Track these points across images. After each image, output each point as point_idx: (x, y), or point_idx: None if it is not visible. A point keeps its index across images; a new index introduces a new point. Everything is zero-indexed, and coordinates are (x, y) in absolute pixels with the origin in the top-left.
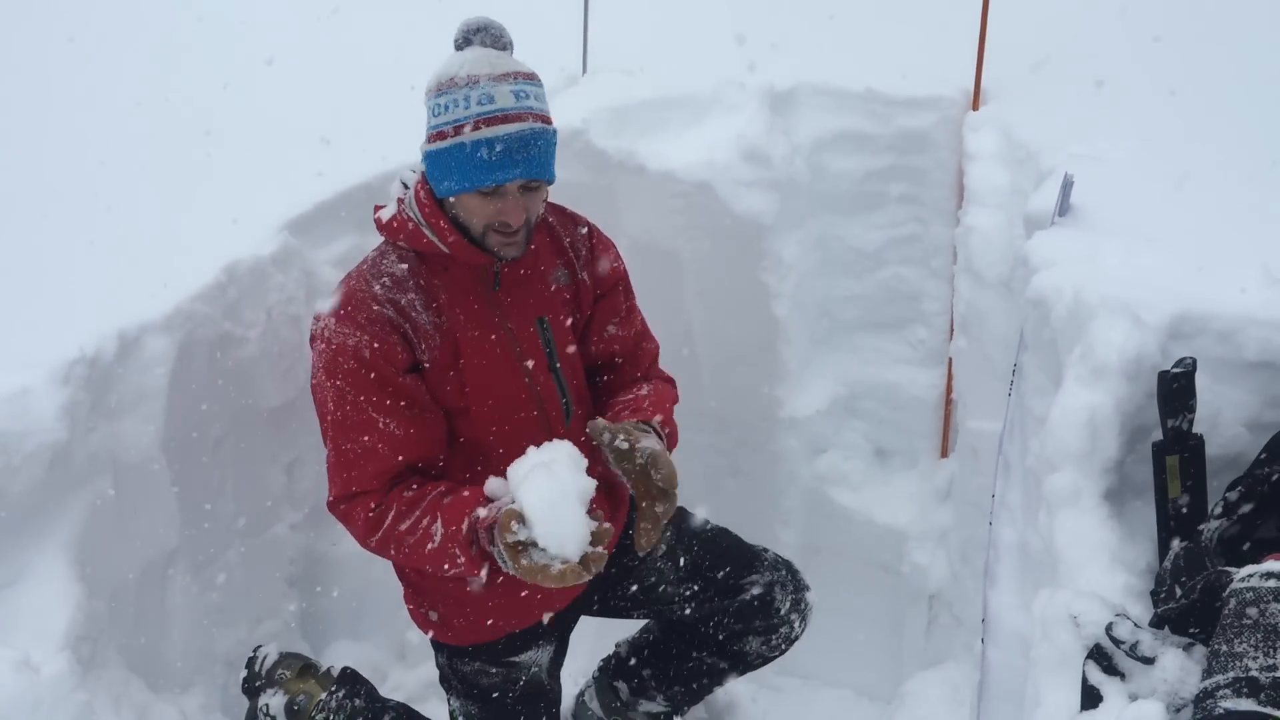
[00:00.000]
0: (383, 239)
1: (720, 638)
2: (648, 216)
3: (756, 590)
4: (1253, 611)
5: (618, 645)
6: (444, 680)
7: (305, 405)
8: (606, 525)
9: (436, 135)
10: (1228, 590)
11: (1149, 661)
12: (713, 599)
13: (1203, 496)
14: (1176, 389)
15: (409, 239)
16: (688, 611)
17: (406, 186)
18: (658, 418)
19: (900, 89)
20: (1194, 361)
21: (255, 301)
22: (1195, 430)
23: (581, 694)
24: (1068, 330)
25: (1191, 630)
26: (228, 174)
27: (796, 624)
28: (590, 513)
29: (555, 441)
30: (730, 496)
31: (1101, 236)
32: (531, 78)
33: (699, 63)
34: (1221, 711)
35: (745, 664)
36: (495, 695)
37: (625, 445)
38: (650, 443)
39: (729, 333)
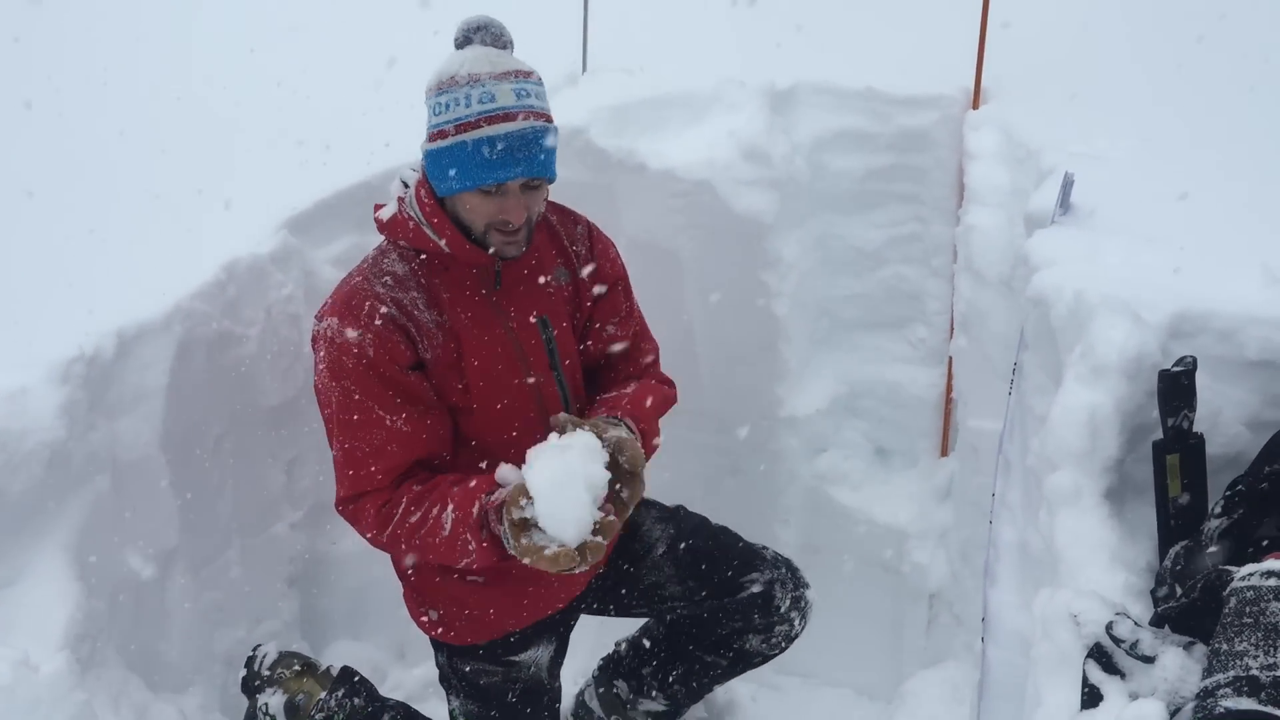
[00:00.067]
0: (383, 238)
1: (720, 636)
2: (648, 215)
3: (756, 589)
4: (1253, 610)
5: (617, 644)
6: (444, 679)
7: (304, 404)
8: (611, 518)
9: (437, 134)
10: (1228, 589)
11: (1149, 660)
12: (713, 597)
13: (1203, 495)
14: (1177, 388)
15: (409, 238)
16: (688, 610)
17: (407, 185)
18: (627, 420)
19: (900, 88)
20: (1194, 360)
21: (254, 300)
22: (1196, 429)
23: (581, 693)
24: (1068, 329)
25: (1192, 629)
26: (228, 173)
27: (796, 622)
28: (600, 508)
29: (578, 431)
30: (730, 495)
31: (1102, 235)
32: (532, 76)
33: (699, 62)
34: (1222, 710)
35: (745, 662)
36: (495, 694)
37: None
38: (617, 432)
39: (729, 332)
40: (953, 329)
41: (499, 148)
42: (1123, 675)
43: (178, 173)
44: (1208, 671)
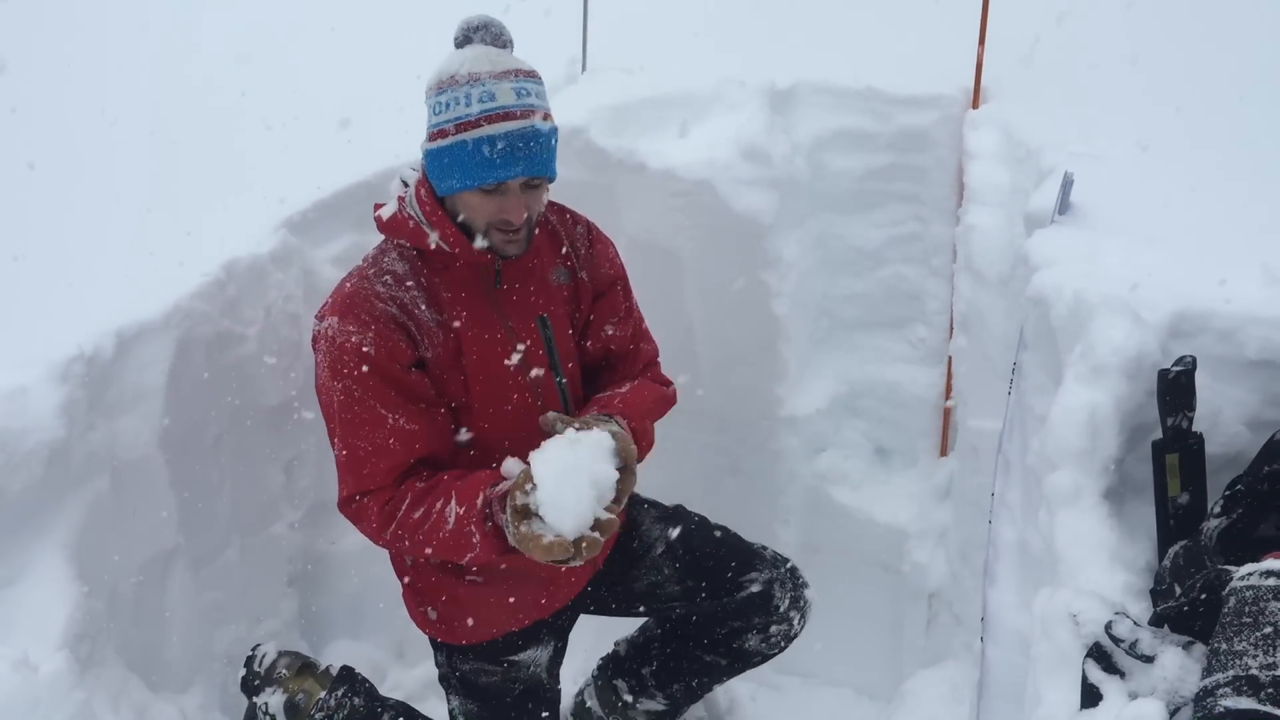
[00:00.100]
0: (383, 237)
1: (719, 636)
2: (648, 215)
3: (756, 588)
4: (1252, 610)
5: (617, 644)
6: (443, 679)
7: (304, 404)
8: (612, 516)
9: (438, 133)
10: (1227, 589)
11: (1149, 660)
12: (712, 597)
13: (1202, 495)
14: (1177, 387)
15: (410, 237)
16: (687, 610)
17: (406, 185)
18: (619, 418)
19: (900, 87)
20: (1194, 360)
21: (254, 300)
22: (1195, 429)
23: (581, 693)
24: (1068, 329)
25: (1191, 629)
26: (228, 172)
27: (796, 622)
28: (607, 509)
29: (593, 428)
30: (730, 495)
31: (1102, 235)
32: (532, 75)
33: (699, 61)
34: (1221, 710)
35: (745, 662)
36: (495, 694)
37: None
38: (608, 427)
39: (729, 331)
40: (952, 329)
41: (499, 147)
42: (1122, 675)
43: (178, 172)
44: (1207, 671)
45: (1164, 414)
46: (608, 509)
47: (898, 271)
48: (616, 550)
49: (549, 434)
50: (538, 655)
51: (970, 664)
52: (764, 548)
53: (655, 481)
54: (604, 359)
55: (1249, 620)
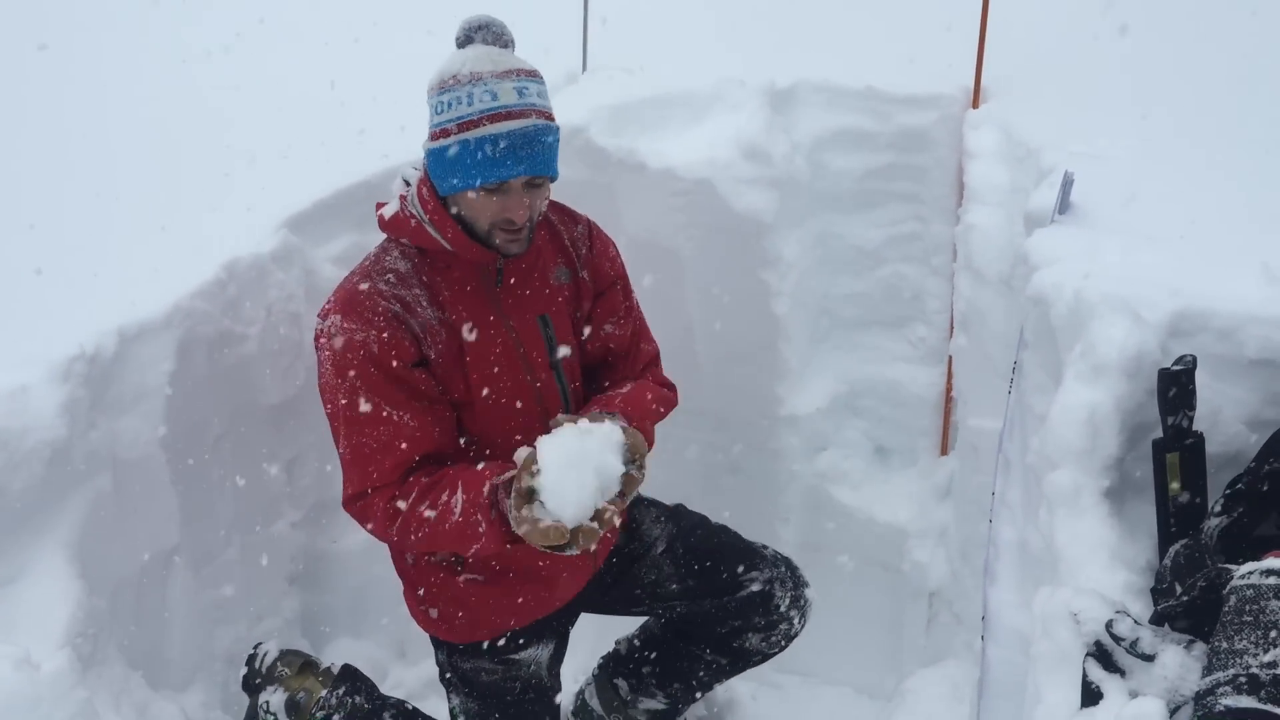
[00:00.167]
0: (385, 236)
1: (720, 634)
2: (648, 214)
3: (756, 587)
4: (1253, 608)
5: (617, 642)
6: (444, 678)
7: (305, 403)
8: (612, 508)
9: (440, 133)
10: (1228, 587)
11: (1149, 659)
12: (712, 596)
13: (1203, 494)
14: (1177, 386)
15: (411, 236)
16: (687, 608)
17: (409, 184)
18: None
19: (900, 87)
20: (1194, 359)
21: (255, 299)
22: (1195, 428)
23: (581, 691)
24: (1068, 328)
25: (1192, 627)
26: (228, 171)
27: (796, 621)
28: (611, 502)
29: (605, 421)
30: (730, 494)
31: (1102, 234)
32: (534, 75)
33: (699, 60)
34: (1222, 709)
35: (745, 661)
36: (495, 693)
37: None
38: (613, 423)
39: (729, 330)
40: (952, 328)
41: (501, 146)
42: (1123, 673)
43: (179, 171)
44: (1208, 670)
45: (1164, 413)
46: (611, 503)
47: (898, 271)
48: (617, 549)
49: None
50: (538, 654)
51: (971, 663)
52: (764, 547)
53: (655, 481)
54: (604, 358)
55: (1249, 619)
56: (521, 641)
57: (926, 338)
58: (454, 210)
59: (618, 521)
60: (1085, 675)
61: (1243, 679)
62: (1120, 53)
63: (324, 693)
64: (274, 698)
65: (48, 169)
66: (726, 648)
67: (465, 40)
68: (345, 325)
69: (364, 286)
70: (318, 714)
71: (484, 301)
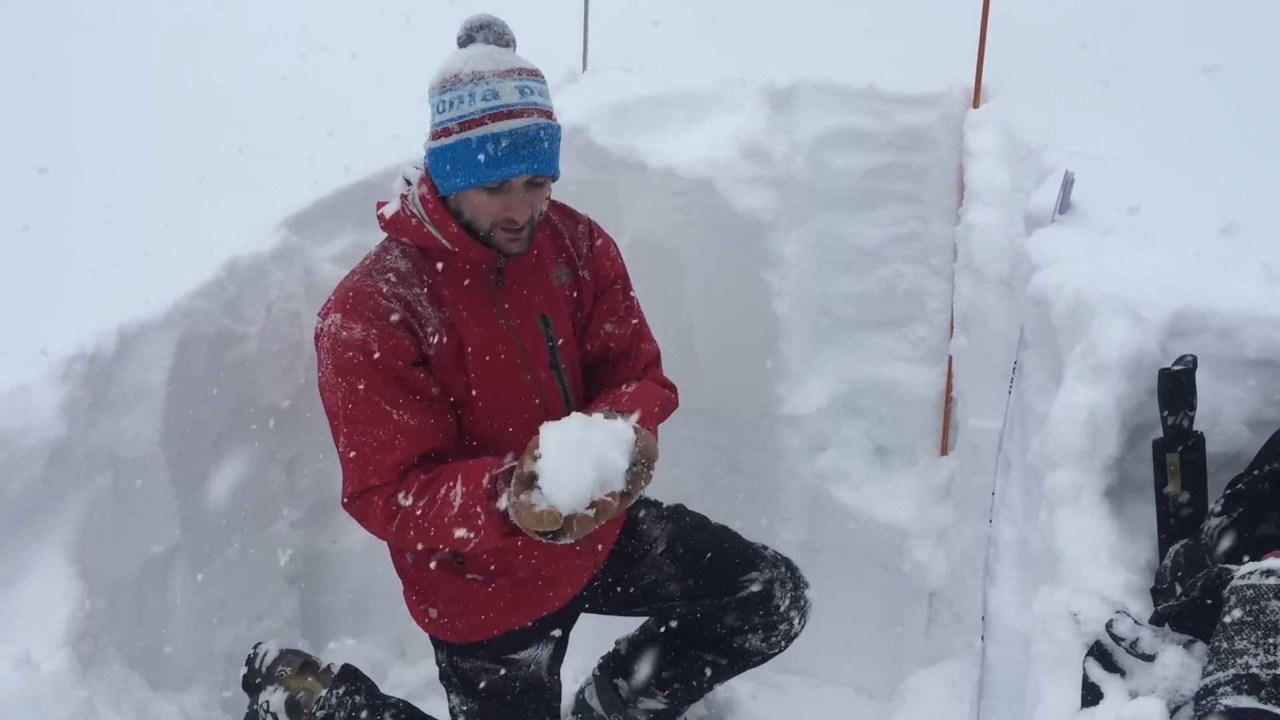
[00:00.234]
0: (385, 235)
1: (720, 635)
2: (648, 214)
3: (756, 588)
4: (1253, 609)
5: (618, 642)
6: (444, 678)
7: (305, 402)
8: (610, 501)
9: (441, 131)
10: (1228, 588)
11: (1149, 659)
12: (712, 596)
13: (1203, 494)
14: (1177, 386)
15: (412, 235)
16: (687, 609)
17: (409, 183)
18: (636, 414)
19: (901, 86)
20: (1194, 359)
21: (255, 298)
22: (1196, 428)
23: (582, 691)
24: (1068, 328)
25: (1192, 627)
26: (229, 170)
27: (796, 621)
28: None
29: (618, 419)
30: (730, 494)
31: (1102, 234)
32: (535, 74)
33: (699, 60)
34: (1222, 709)
35: (745, 661)
36: (495, 692)
37: None
38: (633, 423)
39: (729, 330)
40: (953, 328)
41: (503, 145)
42: (1123, 673)
43: (179, 170)
44: (1208, 670)
45: (1165, 413)
46: (610, 496)
47: (898, 271)
48: (617, 549)
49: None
50: (538, 654)
51: (971, 663)
52: (764, 547)
53: (655, 481)
54: (604, 358)
55: (1250, 619)
56: (522, 641)
57: (927, 337)
58: (455, 209)
59: (611, 515)
60: (1085, 675)
61: (1243, 679)
62: (1121, 52)
63: (324, 692)
64: (274, 697)
65: (47, 169)
66: (726, 648)
67: (467, 39)
68: (345, 323)
69: (364, 285)
70: (318, 714)
71: (485, 301)
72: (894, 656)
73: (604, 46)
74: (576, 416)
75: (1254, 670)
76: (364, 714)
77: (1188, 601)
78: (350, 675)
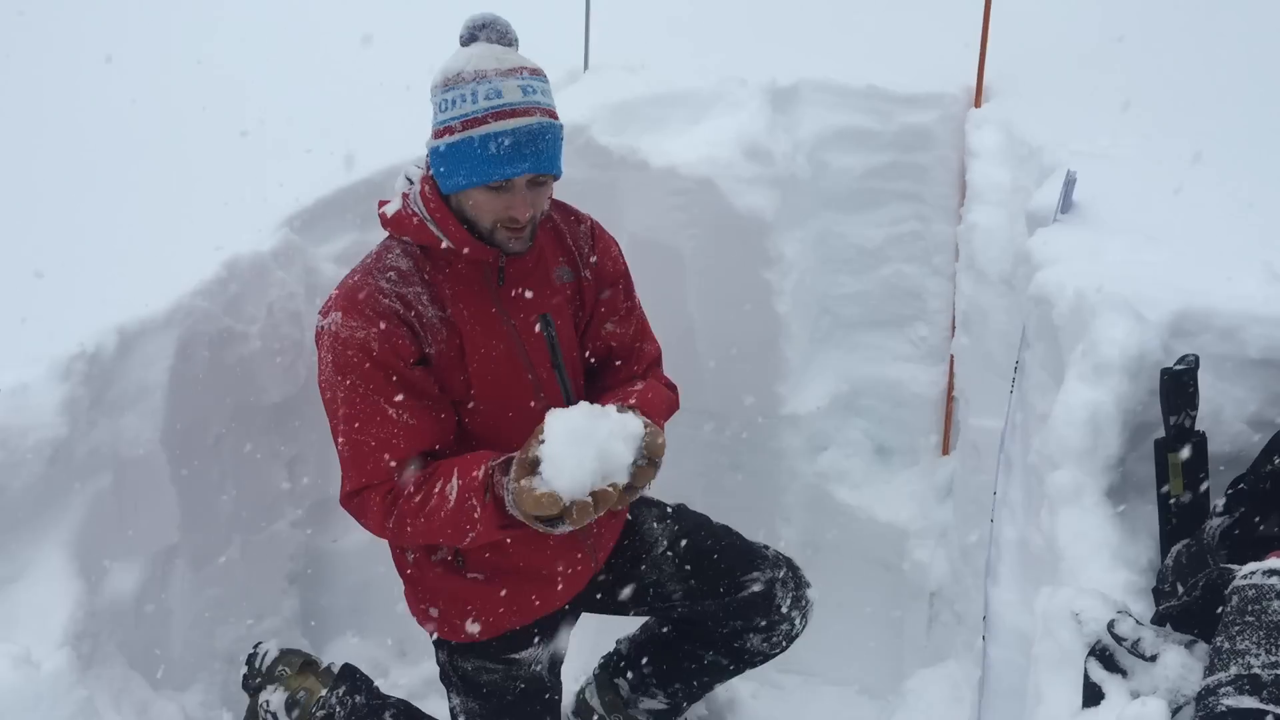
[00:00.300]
0: (386, 234)
1: (721, 635)
2: (649, 213)
3: (757, 587)
4: (1255, 609)
5: (618, 642)
6: (444, 677)
7: (306, 401)
8: (610, 490)
9: (444, 130)
10: (1230, 587)
11: (1151, 659)
12: (713, 596)
13: (1205, 494)
14: (1179, 386)
15: (414, 234)
16: (688, 609)
17: (411, 182)
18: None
19: (902, 86)
20: (1196, 359)
21: (256, 297)
22: (1197, 427)
23: (582, 691)
24: (1070, 327)
25: (1194, 627)
26: (229, 170)
27: (797, 621)
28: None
29: (630, 414)
30: (731, 493)
31: (1104, 234)
32: (538, 73)
33: (700, 59)
34: (1224, 709)
35: (746, 661)
36: (496, 692)
37: None
38: (642, 418)
39: (730, 329)
40: (954, 327)
41: (505, 144)
42: (1124, 673)
43: (179, 169)
44: (1209, 670)
45: (1166, 413)
46: (611, 486)
47: (899, 270)
48: (618, 549)
49: None
50: (539, 653)
51: (971, 663)
52: (765, 547)
53: (657, 481)
54: (606, 357)
55: (1251, 619)
56: (522, 641)
57: (928, 337)
58: (457, 208)
59: (611, 506)
60: (1087, 675)
61: (1244, 679)
62: (1122, 52)
63: (324, 692)
64: (274, 697)
65: (47, 169)
66: (728, 648)
67: (469, 38)
68: (346, 322)
69: (366, 284)
70: (318, 713)
71: (486, 300)
72: (895, 656)
73: (605, 46)
74: (584, 405)
75: (1256, 670)
76: (364, 714)
77: (1189, 601)
78: (350, 675)
